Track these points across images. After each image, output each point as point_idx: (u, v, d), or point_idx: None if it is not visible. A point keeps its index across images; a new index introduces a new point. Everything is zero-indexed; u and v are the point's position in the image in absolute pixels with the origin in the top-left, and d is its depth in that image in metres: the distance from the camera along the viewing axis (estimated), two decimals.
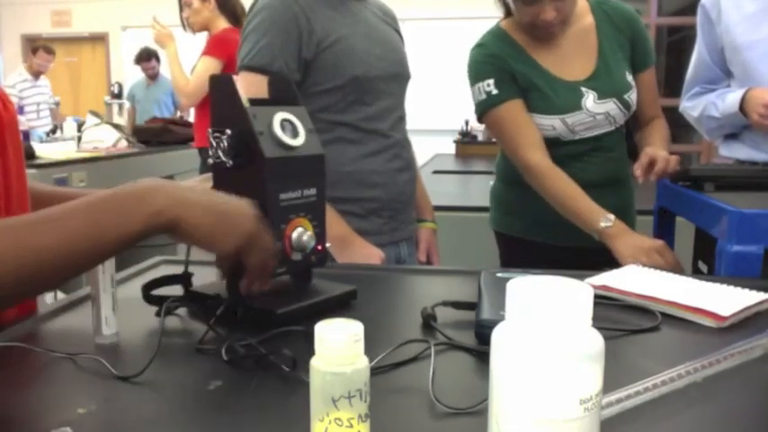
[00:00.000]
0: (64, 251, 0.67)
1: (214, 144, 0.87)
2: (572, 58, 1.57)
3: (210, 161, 0.88)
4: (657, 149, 1.45)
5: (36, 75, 6.20)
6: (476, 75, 1.57)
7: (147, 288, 0.91)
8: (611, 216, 1.39)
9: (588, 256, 1.52)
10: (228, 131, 0.86)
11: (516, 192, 1.65)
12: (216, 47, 3.14)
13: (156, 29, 3.36)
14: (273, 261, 0.82)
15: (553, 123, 1.52)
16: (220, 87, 0.89)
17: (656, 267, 1.24)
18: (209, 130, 0.88)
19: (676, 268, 1.29)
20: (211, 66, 3.09)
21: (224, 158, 0.86)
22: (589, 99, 1.53)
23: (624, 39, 1.60)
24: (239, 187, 0.87)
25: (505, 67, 1.54)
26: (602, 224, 1.38)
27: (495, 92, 1.53)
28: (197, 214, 0.73)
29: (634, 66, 1.60)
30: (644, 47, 1.62)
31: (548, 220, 1.57)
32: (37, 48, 6.25)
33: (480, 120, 1.60)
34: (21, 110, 6.02)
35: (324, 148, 1.48)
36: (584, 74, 1.56)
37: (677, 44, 6.29)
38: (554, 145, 1.53)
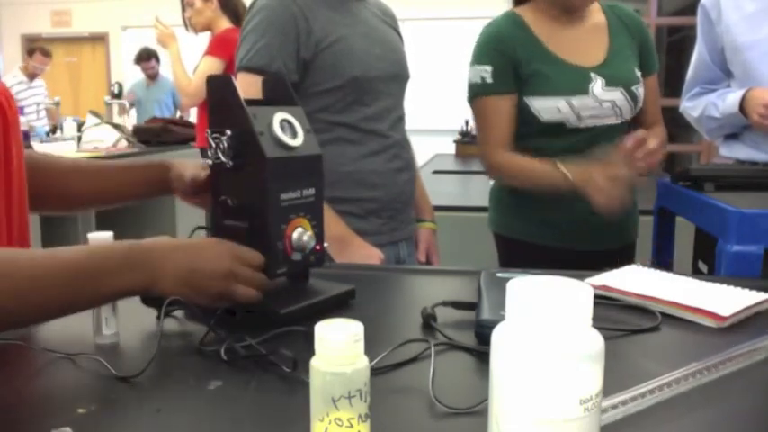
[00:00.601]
0: (36, 311, 0.72)
1: (213, 145, 0.87)
2: (583, 47, 1.57)
3: (209, 162, 0.88)
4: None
5: (31, 76, 6.19)
6: (478, 56, 1.58)
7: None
8: (568, 170, 1.44)
9: (588, 259, 1.53)
10: (228, 132, 0.85)
11: (516, 192, 1.64)
12: (218, 47, 3.14)
13: (158, 29, 3.37)
14: (262, 283, 0.85)
15: (559, 105, 1.51)
16: (218, 88, 0.89)
17: (619, 181, 1.34)
18: (208, 131, 0.87)
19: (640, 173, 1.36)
20: (213, 65, 3.09)
21: (224, 159, 0.86)
22: (597, 85, 1.53)
23: (634, 42, 1.62)
24: (238, 188, 0.88)
25: (510, 53, 1.54)
26: (567, 177, 1.44)
27: (489, 81, 1.54)
28: (169, 284, 0.78)
29: (643, 69, 1.61)
30: (650, 53, 1.65)
31: (548, 223, 1.57)
32: (34, 50, 6.22)
33: (470, 102, 1.62)
34: (21, 111, 6.01)
35: (323, 149, 1.48)
36: (594, 62, 1.56)
37: (677, 44, 6.29)
38: (559, 133, 1.53)
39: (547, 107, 1.52)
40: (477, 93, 1.57)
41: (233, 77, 0.90)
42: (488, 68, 1.54)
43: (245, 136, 0.85)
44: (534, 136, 1.55)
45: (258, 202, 0.86)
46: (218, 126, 0.86)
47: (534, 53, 1.54)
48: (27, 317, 0.73)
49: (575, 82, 1.52)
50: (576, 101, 1.51)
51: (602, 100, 1.53)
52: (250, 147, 0.85)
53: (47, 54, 6.19)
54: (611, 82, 1.53)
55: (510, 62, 1.53)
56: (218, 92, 0.88)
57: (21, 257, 0.72)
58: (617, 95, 1.54)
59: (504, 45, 1.54)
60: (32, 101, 6.09)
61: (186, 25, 3.28)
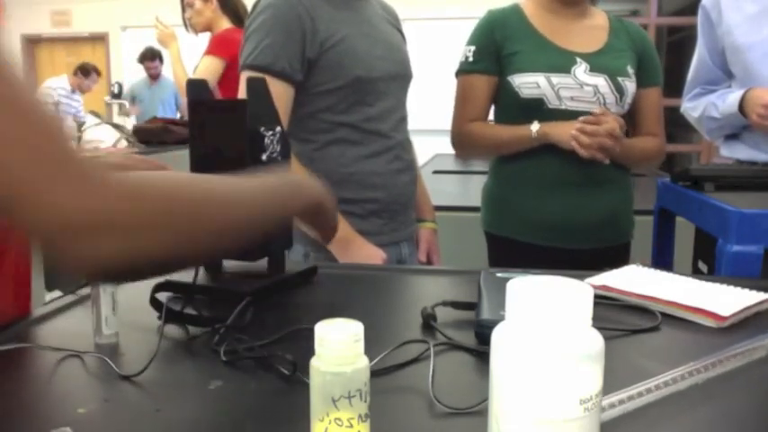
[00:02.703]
0: (243, 225, 0.70)
1: (267, 141, 0.94)
2: (577, 38, 1.60)
3: (264, 157, 0.95)
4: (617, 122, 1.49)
5: (76, 89, 6.39)
6: (470, 36, 1.65)
7: (156, 290, 0.91)
8: (534, 124, 1.53)
9: (580, 257, 1.54)
10: (278, 129, 0.95)
11: (507, 189, 1.64)
12: (218, 46, 3.14)
13: (159, 28, 3.37)
14: None
15: (537, 80, 1.53)
16: (258, 89, 0.96)
17: (596, 137, 1.45)
18: (261, 128, 0.94)
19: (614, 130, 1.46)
20: (213, 65, 3.09)
21: (279, 154, 0.96)
22: (580, 68, 1.55)
23: (634, 48, 1.63)
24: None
25: (494, 35, 1.59)
26: (534, 130, 1.52)
27: (471, 60, 1.62)
28: (330, 201, 0.85)
29: (642, 79, 1.62)
30: (654, 65, 1.66)
31: (540, 221, 1.57)
32: (90, 71, 6.44)
33: (456, 76, 1.69)
34: None
35: (325, 149, 1.51)
36: (584, 50, 1.58)
37: (677, 44, 6.29)
38: (539, 114, 1.54)
39: (526, 82, 1.54)
40: (458, 70, 1.66)
41: (266, 79, 0.99)
42: (472, 48, 1.62)
43: (283, 133, 0.97)
44: (516, 117, 1.57)
45: None
46: (258, 125, 0.94)
47: (521, 35, 1.58)
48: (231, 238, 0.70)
49: (557, 61, 1.55)
50: (556, 78, 1.53)
51: (583, 82, 1.54)
52: (285, 141, 0.98)
53: (100, 74, 6.53)
54: (595, 69, 1.55)
55: (493, 44, 1.59)
56: (257, 93, 0.96)
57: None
58: (600, 81, 1.55)
59: (492, 27, 1.60)
60: (69, 111, 6.18)
61: (186, 26, 3.28)
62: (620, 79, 1.56)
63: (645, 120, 1.65)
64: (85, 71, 6.40)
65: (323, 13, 1.37)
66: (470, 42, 1.63)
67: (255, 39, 1.36)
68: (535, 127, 1.52)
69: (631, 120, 1.65)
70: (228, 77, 3.05)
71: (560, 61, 1.54)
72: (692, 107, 1.88)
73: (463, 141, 1.68)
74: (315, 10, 1.36)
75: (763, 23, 1.69)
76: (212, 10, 3.20)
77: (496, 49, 1.58)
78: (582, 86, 1.53)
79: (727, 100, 1.73)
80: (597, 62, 1.55)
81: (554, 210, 1.56)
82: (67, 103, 6.26)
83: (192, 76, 3.23)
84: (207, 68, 3.08)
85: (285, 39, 1.34)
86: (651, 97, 1.65)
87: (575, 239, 1.56)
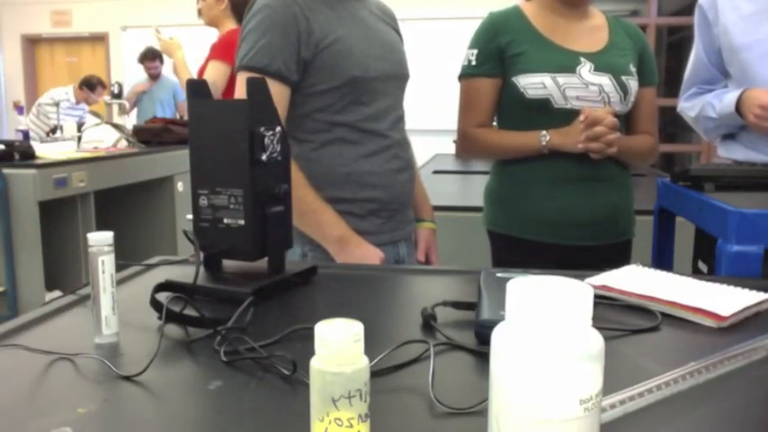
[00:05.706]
0: None
1: (267, 141, 0.94)
2: (579, 38, 1.60)
3: (264, 157, 0.94)
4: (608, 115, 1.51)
5: (81, 101, 6.35)
6: (472, 39, 1.66)
7: (156, 291, 0.91)
8: (543, 131, 1.54)
9: (582, 255, 1.54)
10: (278, 129, 0.95)
11: (511, 188, 1.65)
12: (223, 50, 3.16)
13: (161, 40, 3.40)
14: None
15: (543, 80, 1.54)
16: (258, 90, 0.96)
17: (602, 136, 1.49)
18: (262, 128, 0.94)
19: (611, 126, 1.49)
20: (220, 69, 3.12)
21: (278, 154, 0.96)
22: (585, 68, 1.56)
23: (634, 47, 1.65)
24: (277, 178, 0.99)
25: (497, 38, 1.59)
26: (543, 140, 1.54)
27: (474, 63, 1.62)
28: None
29: (640, 78, 1.63)
30: (651, 64, 1.68)
31: (542, 218, 1.58)
32: (95, 85, 6.34)
33: (459, 80, 1.70)
34: (20, 110, 6.08)
35: (322, 149, 1.51)
36: (587, 49, 1.59)
37: (677, 44, 6.29)
38: (545, 113, 1.55)
39: (532, 83, 1.54)
40: (462, 74, 1.66)
41: (265, 80, 0.98)
42: (475, 51, 1.62)
43: (283, 133, 0.98)
44: (522, 117, 1.58)
45: (289, 187, 1.01)
46: (258, 125, 0.94)
47: (524, 36, 1.58)
48: None
49: (562, 61, 1.56)
50: (562, 78, 1.54)
51: (588, 82, 1.55)
52: (285, 141, 0.98)
53: (105, 87, 6.39)
54: (599, 68, 1.56)
55: (496, 46, 1.59)
56: (257, 94, 0.96)
57: None
58: (604, 80, 1.56)
59: (494, 30, 1.61)
60: (71, 120, 6.19)
61: (199, 14, 3.33)
62: (623, 78, 1.57)
63: (642, 119, 1.67)
64: (90, 85, 6.37)
65: (318, 13, 1.37)
66: (472, 46, 1.63)
67: (251, 39, 1.36)
68: (544, 140, 1.53)
69: (627, 118, 1.65)
70: (233, 80, 3.08)
71: (565, 61, 1.55)
72: (688, 107, 1.88)
73: (469, 146, 1.69)
74: (310, 10, 1.36)
75: (760, 23, 1.69)
76: (221, 9, 3.24)
77: (500, 52, 1.58)
78: (587, 86, 1.55)
79: (724, 100, 1.73)
80: (601, 61, 1.56)
81: (558, 207, 1.57)
82: (67, 113, 6.27)
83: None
84: (214, 73, 3.10)
85: (281, 40, 1.34)
86: (648, 96, 1.67)
87: (578, 236, 1.57)
